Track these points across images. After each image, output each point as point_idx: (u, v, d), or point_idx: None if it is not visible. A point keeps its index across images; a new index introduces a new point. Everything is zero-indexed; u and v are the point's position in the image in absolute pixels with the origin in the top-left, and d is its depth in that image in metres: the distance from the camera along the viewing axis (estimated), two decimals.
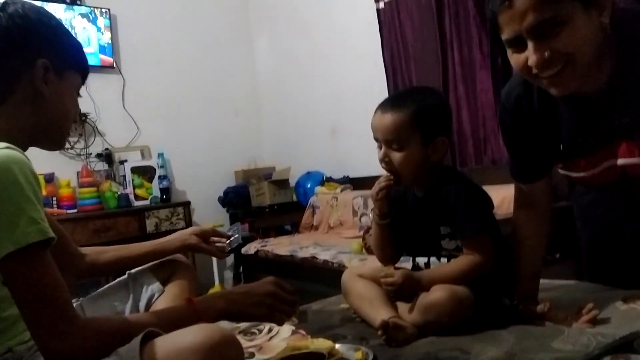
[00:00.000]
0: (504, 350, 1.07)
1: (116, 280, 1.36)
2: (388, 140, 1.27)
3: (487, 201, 1.31)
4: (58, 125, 1.03)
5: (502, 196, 2.62)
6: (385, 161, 1.29)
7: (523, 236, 1.31)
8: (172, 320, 0.90)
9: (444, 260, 1.31)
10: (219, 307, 0.99)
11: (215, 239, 1.47)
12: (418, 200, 1.35)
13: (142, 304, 1.32)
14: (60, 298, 0.84)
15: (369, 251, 2.73)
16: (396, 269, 1.30)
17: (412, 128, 1.25)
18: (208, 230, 1.46)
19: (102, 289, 1.35)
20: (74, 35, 1.09)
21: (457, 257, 1.29)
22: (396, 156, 1.27)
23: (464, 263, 1.25)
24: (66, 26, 1.06)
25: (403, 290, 1.26)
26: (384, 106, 1.30)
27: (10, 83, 0.96)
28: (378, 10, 3.45)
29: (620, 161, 1.13)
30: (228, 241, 1.47)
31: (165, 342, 0.82)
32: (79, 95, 1.08)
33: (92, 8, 3.76)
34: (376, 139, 1.31)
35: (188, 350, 0.79)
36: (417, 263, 1.37)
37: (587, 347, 1.01)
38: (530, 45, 0.99)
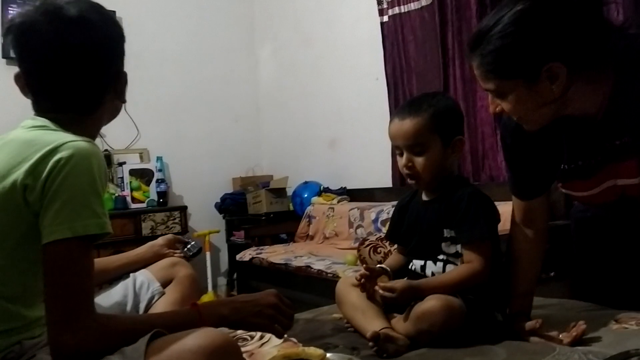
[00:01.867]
0: None
1: (119, 282, 1.40)
2: (409, 145, 1.30)
3: (495, 212, 1.33)
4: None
5: (500, 213, 2.63)
6: (409, 166, 1.32)
7: (519, 252, 1.32)
8: (177, 324, 0.91)
9: (439, 264, 1.32)
10: (221, 313, 1.00)
11: (177, 246, 1.55)
12: (424, 204, 1.38)
13: (142, 305, 1.35)
14: (87, 293, 0.88)
15: (363, 262, 2.73)
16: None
17: (431, 131, 1.28)
18: (173, 239, 1.55)
19: (104, 289, 1.38)
20: None
21: (452, 263, 1.30)
22: (419, 160, 1.30)
23: (463, 271, 1.26)
24: None
25: (400, 301, 1.26)
26: (400, 113, 1.33)
27: (99, 95, 1.02)
28: (382, 24, 3.47)
29: (620, 182, 1.15)
30: (185, 249, 1.56)
31: (169, 344, 0.84)
32: None
33: None
34: (396, 147, 1.34)
35: (190, 353, 0.81)
36: (413, 266, 1.38)
37: None
38: (489, 97, 1.13)
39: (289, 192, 4.05)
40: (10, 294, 0.91)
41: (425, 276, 1.34)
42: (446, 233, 1.31)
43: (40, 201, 0.86)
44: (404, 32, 3.35)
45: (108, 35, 1.02)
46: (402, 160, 1.33)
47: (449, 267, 1.31)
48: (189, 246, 1.56)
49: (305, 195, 3.94)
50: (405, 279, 1.34)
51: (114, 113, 1.09)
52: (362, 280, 1.30)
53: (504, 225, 2.50)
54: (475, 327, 1.22)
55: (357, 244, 3.01)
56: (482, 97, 2.97)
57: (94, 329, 0.86)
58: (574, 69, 1.02)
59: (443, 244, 1.32)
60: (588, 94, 1.07)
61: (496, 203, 2.73)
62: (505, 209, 2.50)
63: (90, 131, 1.02)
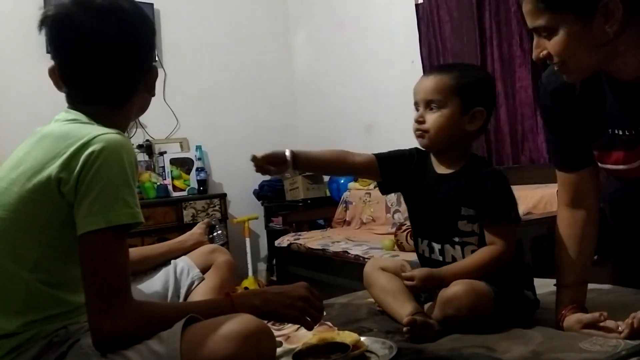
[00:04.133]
0: (530, 349, 1.06)
1: (161, 268, 1.45)
2: (427, 100, 1.29)
3: (514, 195, 1.30)
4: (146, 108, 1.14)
5: (540, 196, 2.58)
6: (419, 121, 1.30)
7: (569, 238, 1.24)
8: (211, 313, 0.94)
9: (457, 247, 1.28)
10: (254, 304, 1.02)
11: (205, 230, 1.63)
12: (439, 178, 1.33)
13: (183, 290, 1.41)
14: (124, 281, 0.91)
15: (401, 247, 2.73)
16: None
17: (453, 91, 1.27)
18: (207, 223, 1.63)
19: (147, 276, 1.44)
20: None
21: (469, 244, 1.28)
22: (432, 116, 1.28)
23: (486, 254, 1.24)
24: None
25: (425, 289, 1.26)
26: (429, 71, 1.34)
27: (134, 89, 1.05)
28: (417, 6, 3.42)
29: None
30: (210, 236, 1.63)
31: (203, 329, 0.88)
32: None
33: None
34: (415, 103, 1.32)
35: (224, 337, 0.85)
36: (425, 251, 1.34)
37: (615, 348, 0.99)
38: (534, 40, 1.07)
39: (326, 177, 4.07)
40: (54, 281, 0.96)
41: (445, 262, 1.30)
42: (464, 211, 1.27)
43: (74, 193, 0.90)
44: (440, 13, 3.29)
45: (140, 26, 1.04)
46: (415, 116, 1.31)
47: (468, 248, 1.28)
48: (215, 234, 1.61)
49: (342, 181, 3.95)
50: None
51: (143, 107, 1.11)
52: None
53: (545, 208, 2.47)
54: (507, 309, 1.21)
55: (394, 229, 3.01)
56: (520, 77, 2.90)
57: (132, 315, 0.90)
58: (630, 10, 0.97)
59: (459, 222, 1.28)
60: (636, 52, 1.02)
61: (536, 185, 2.71)
62: (546, 191, 2.50)
63: (121, 123, 1.04)
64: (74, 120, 1.00)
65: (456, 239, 1.29)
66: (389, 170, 1.39)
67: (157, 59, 1.11)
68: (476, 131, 1.31)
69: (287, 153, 1.29)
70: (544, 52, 1.05)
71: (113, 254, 0.90)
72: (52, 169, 0.91)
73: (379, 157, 1.39)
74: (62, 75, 1.03)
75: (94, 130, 0.94)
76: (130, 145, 0.96)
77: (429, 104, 1.28)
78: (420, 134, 1.30)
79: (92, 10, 0.98)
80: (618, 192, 1.33)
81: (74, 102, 1.04)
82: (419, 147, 1.36)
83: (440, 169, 1.34)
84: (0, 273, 0.93)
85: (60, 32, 1.00)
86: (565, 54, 1.03)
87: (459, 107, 1.27)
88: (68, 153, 0.91)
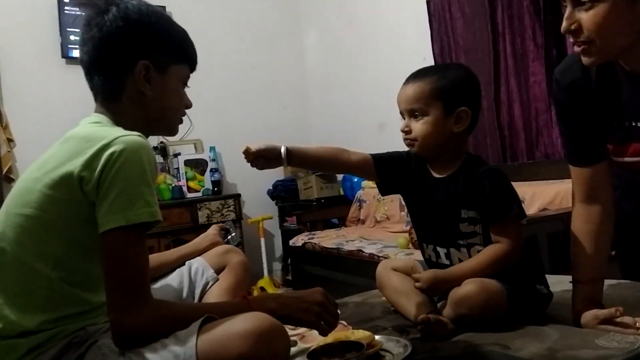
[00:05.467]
0: (546, 346, 1.05)
1: (176, 270, 1.46)
2: (409, 110, 1.28)
3: (513, 188, 1.28)
4: (165, 118, 1.12)
5: (555, 191, 2.56)
6: (406, 131, 1.29)
7: (584, 234, 1.22)
8: (228, 314, 0.95)
9: (463, 250, 1.28)
10: (270, 307, 1.02)
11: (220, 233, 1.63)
12: (436, 182, 1.32)
13: (197, 291, 1.41)
14: (144, 278, 0.93)
15: (415, 245, 2.72)
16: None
17: (432, 96, 1.25)
18: (221, 227, 1.63)
19: (162, 277, 1.45)
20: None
21: (475, 245, 1.27)
22: (417, 125, 1.27)
23: (493, 253, 1.23)
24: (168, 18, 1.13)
25: (433, 291, 1.26)
26: (407, 79, 1.31)
27: (118, 84, 1.05)
28: (428, 2, 3.41)
29: None
30: (225, 239, 1.62)
31: (219, 327, 0.89)
32: (186, 85, 1.16)
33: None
34: (401, 113, 1.31)
35: (239, 336, 0.86)
36: (438, 254, 1.33)
37: (632, 344, 0.98)
38: (567, 10, 1.01)
39: (339, 176, 4.07)
40: (75, 279, 0.98)
41: (452, 265, 1.29)
42: (464, 214, 1.26)
43: (96, 192, 0.92)
44: (452, 9, 3.27)
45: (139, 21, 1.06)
46: (402, 125, 1.30)
47: (474, 250, 1.27)
48: (229, 237, 1.62)
49: (355, 180, 3.95)
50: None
51: (152, 106, 1.08)
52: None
53: (562, 204, 2.45)
54: (520, 306, 1.20)
55: (408, 227, 3.00)
56: (534, 72, 2.88)
57: (151, 312, 0.92)
58: None
59: (461, 225, 1.27)
60: None
61: (551, 181, 2.68)
62: (562, 187, 2.47)
63: (125, 122, 1.05)
64: (97, 123, 1.03)
65: (460, 242, 1.28)
66: (386, 171, 1.38)
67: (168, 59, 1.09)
68: (465, 131, 1.29)
69: (282, 150, 1.30)
70: (575, 25, 1.00)
71: (133, 252, 0.92)
72: (75, 167, 0.93)
73: (375, 157, 1.38)
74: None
75: (115, 132, 0.97)
76: (150, 146, 0.98)
77: (412, 113, 1.28)
78: (409, 142, 1.30)
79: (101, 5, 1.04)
80: (617, 190, 1.28)
81: (95, 99, 1.09)
82: None
83: (437, 173, 1.33)
84: (23, 270, 0.96)
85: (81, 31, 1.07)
86: (600, 30, 0.98)
87: (441, 110, 1.25)
88: (90, 153, 0.93)
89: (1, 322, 0.95)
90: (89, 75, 1.07)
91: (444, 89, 1.26)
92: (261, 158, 1.29)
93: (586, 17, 0.99)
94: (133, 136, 0.96)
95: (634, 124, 1.10)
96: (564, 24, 1.02)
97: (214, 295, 1.37)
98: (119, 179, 0.91)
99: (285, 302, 1.06)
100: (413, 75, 1.31)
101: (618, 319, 1.09)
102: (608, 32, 0.99)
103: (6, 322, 0.94)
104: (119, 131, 0.97)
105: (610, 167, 1.21)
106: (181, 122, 1.18)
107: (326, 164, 1.45)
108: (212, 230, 1.58)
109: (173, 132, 1.17)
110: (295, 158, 1.32)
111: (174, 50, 1.11)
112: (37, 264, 0.95)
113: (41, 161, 1.01)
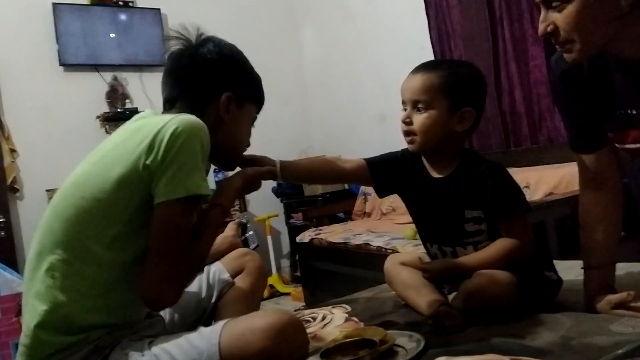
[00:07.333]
0: (560, 334, 1.04)
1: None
2: (414, 100, 1.24)
3: (516, 183, 1.27)
4: (231, 148, 1.22)
5: (561, 175, 2.54)
6: (406, 122, 1.26)
7: (593, 220, 1.20)
8: (210, 224, 1.08)
9: (470, 248, 1.26)
10: (236, 187, 1.19)
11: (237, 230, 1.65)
12: (435, 182, 1.29)
13: (214, 296, 1.39)
14: (189, 249, 1.00)
15: None
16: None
17: (440, 91, 1.22)
18: (238, 224, 1.64)
19: None
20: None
21: (481, 241, 1.25)
22: (419, 117, 1.24)
23: (505, 247, 1.21)
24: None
25: (442, 280, 1.25)
26: (416, 69, 1.28)
27: (202, 107, 1.13)
28: None
29: None
30: (243, 237, 1.64)
31: (241, 323, 0.94)
32: (252, 125, 1.26)
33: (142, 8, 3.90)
34: (403, 102, 1.28)
35: (260, 331, 0.90)
36: (444, 253, 1.31)
37: None
38: (541, 13, 1.02)
39: None
40: (126, 258, 1.01)
41: None
42: (468, 214, 1.24)
43: (160, 163, 0.97)
44: None
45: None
46: (403, 115, 1.26)
47: (481, 247, 1.25)
48: (247, 235, 1.60)
49: None
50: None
51: (225, 134, 1.17)
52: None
53: (567, 188, 2.43)
54: (531, 295, 1.19)
55: None
56: (534, 56, 2.85)
57: (181, 290, 1.01)
58: None
59: (465, 225, 1.25)
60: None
61: (556, 165, 2.66)
62: (567, 170, 2.45)
63: None
64: (142, 117, 1.11)
65: (466, 240, 1.27)
66: (382, 174, 1.36)
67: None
68: (466, 132, 1.27)
69: (277, 163, 1.29)
70: (551, 27, 1.01)
71: (185, 223, 0.99)
72: (141, 152, 0.98)
73: (370, 162, 1.36)
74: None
75: (167, 116, 1.03)
76: (207, 131, 1.04)
77: (415, 104, 1.24)
78: (410, 139, 1.26)
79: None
80: (639, 172, 1.29)
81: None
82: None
83: (435, 173, 1.30)
84: (78, 251, 1.00)
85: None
86: (576, 28, 0.99)
87: (447, 107, 1.22)
88: (151, 135, 0.99)
89: (47, 305, 0.98)
90: (170, 101, 1.16)
91: (453, 85, 1.23)
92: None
93: (560, 18, 0.99)
94: (189, 116, 1.02)
95: (629, 111, 1.09)
96: (540, 27, 1.03)
97: (231, 301, 1.36)
98: (182, 152, 0.97)
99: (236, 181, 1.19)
100: (423, 65, 1.28)
101: (632, 303, 1.08)
102: (584, 29, 0.99)
103: (52, 305, 0.98)
104: (171, 115, 1.04)
105: (615, 151, 1.20)
106: (240, 160, 1.27)
107: (320, 176, 1.44)
108: (230, 230, 1.55)
109: (232, 167, 1.27)
110: (287, 172, 1.30)
111: (252, 90, 1.22)
112: (92, 245, 0.99)
113: (102, 152, 1.06)
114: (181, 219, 0.98)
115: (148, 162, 0.97)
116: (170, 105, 1.16)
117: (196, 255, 1.05)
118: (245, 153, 1.29)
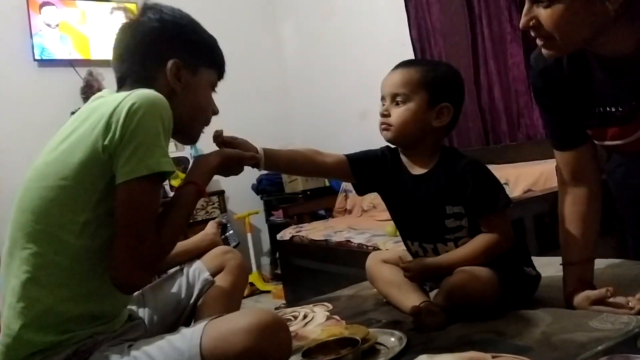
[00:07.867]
0: (540, 330, 1.05)
1: (171, 272, 1.43)
2: (393, 94, 1.26)
3: (496, 178, 1.27)
4: (191, 119, 1.15)
5: (539, 172, 2.57)
6: (384, 114, 1.27)
7: (572, 216, 1.21)
8: (185, 204, 1.08)
9: (450, 244, 1.27)
10: (212, 164, 1.17)
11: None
12: (415, 179, 1.30)
13: (194, 295, 1.37)
14: (154, 227, 0.97)
15: None
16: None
17: (419, 85, 1.24)
18: (218, 223, 1.60)
19: (159, 279, 1.42)
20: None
21: (462, 237, 1.26)
22: (397, 110, 1.25)
23: (484, 242, 1.22)
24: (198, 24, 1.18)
25: (422, 279, 1.25)
26: (396, 66, 1.30)
27: (150, 79, 1.08)
28: None
29: None
30: (223, 236, 1.59)
31: (222, 324, 0.92)
32: (213, 91, 1.20)
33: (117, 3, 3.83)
34: (382, 98, 1.29)
35: (242, 330, 0.88)
36: (425, 250, 1.31)
37: (627, 325, 0.98)
38: (525, 6, 1.02)
39: None
40: (97, 246, 0.98)
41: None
42: (449, 210, 1.25)
43: (118, 142, 0.93)
44: None
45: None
46: (381, 109, 1.28)
47: (462, 242, 1.26)
48: (228, 234, 1.58)
49: None
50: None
51: (181, 105, 1.11)
52: None
53: (546, 184, 2.46)
54: (512, 291, 1.20)
55: None
56: (513, 54, 2.88)
57: (152, 272, 1.01)
58: None
59: (446, 221, 1.25)
60: (630, 29, 1.00)
61: (535, 162, 2.69)
62: (545, 167, 2.48)
63: None
64: (101, 97, 1.07)
65: (447, 237, 1.27)
66: (362, 171, 1.35)
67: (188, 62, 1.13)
68: (443, 128, 1.28)
69: (260, 149, 1.27)
70: (534, 21, 1.01)
71: (152, 202, 0.97)
72: (98, 130, 0.95)
73: (350, 158, 1.35)
74: None
75: (123, 93, 0.99)
76: (168, 106, 1.00)
77: (394, 98, 1.25)
78: (385, 127, 1.27)
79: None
80: (621, 167, 1.30)
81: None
82: (390, 145, 1.34)
83: (415, 170, 1.30)
84: (49, 241, 0.97)
85: None
86: (560, 27, 0.99)
87: (425, 101, 1.24)
88: (108, 112, 0.95)
89: (24, 301, 0.96)
90: (121, 79, 1.11)
91: (433, 80, 1.25)
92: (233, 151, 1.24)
93: (545, 14, 0.99)
94: (147, 90, 0.98)
95: (608, 109, 1.10)
96: (523, 20, 1.02)
97: (211, 300, 1.34)
98: (140, 129, 0.93)
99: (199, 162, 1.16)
100: (403, 62, 1.30)
101: (610, 299, 1.09)
102: (568, 29, 0.99)
103: (29, 300, 0.95)
104: (128, 92, 0.99)
105: (594, 148, 1.21)
106: (202, 131, 1.21)
107: (300, 167, 1.43)
108: (211, 228, 1.53)
109: (196, 138, 1.21)
110: (269, 160, 1.28)
111: (204, 54, 1.15)
112: (63, 234, 0.96)
113: (64, 134, 1.02)
114: (144, 197, 0.95)
115: (106, 142, 0.94)
116: (121, 83, 1.11)
117: (166, 234, 1.00)
118: (226, 134, 1.25)
